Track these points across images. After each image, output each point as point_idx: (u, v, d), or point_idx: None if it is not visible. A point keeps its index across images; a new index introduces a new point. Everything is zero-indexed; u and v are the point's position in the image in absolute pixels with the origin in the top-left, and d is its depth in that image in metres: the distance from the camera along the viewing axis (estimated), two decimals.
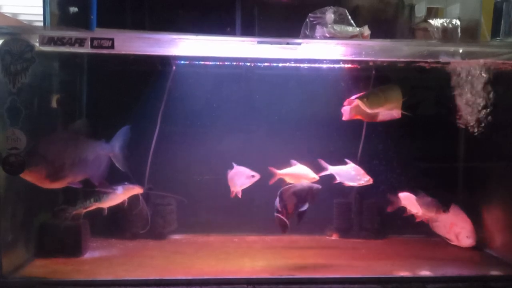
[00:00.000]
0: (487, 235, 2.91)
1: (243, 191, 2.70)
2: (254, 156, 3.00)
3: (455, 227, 2.91)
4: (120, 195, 2.67)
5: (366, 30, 2.53)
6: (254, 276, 2.42)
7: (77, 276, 2.42)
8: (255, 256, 2.76)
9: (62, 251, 2.66)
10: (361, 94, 2.69)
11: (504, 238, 2.82)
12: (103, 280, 2.37)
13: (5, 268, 2.37)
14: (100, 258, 2.71)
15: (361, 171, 2.74)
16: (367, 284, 2.39)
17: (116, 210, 2.73)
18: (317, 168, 2.71)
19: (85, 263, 2.63)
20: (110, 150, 2.73)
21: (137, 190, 2.74)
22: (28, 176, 2.36)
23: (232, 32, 2.78)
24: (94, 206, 2.63)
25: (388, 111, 2.71)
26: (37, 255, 2.65)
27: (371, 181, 2.74)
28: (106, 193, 2.63)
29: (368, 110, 2.65)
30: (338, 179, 2.74)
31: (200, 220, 3.08)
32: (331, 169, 2.74)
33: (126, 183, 2.71)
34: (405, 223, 2.95)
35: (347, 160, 2.77)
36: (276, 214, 2.51)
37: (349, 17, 2.53)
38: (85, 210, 2.62)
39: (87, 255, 2.73)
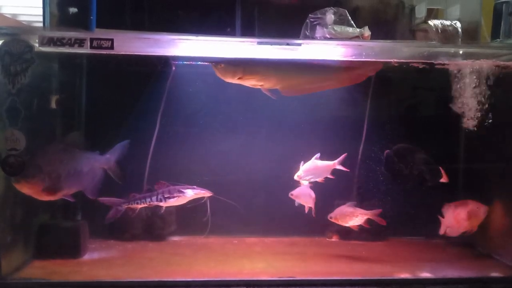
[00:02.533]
0: (487, 237, 2.90)
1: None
2: (254, 157, 3.01)
3: (460, 215, 2.81)
4: (187, 198, 2.66)
5: (367, 31, 2.53)
6: (254, 278, 2.41)
7: (76, 278, 2.41)
8: (254, 258, 2.75)
9: (61, 252, 2.65)
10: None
11: (505, 239, 2.81)
12: (102, 281, 2.36)
13: (4, 270, 2.36)
14: (99, 259, 2.71)
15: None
16: (367, 286, 2.39)
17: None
18: None
19: (84, 265, 2.62)
20: (106, 162, 2.70)
21: (207, 194, 2.71)
22: (24, 188, 2.35)
23: (232, 33, 2.77)
24: (155, 204, 2.62)
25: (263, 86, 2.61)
26: (36, 256, 2.63)
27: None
28: (174, 197, 2.63)
29: (222, 78, 2.56)
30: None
31: (199, 221, 3.07)
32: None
33: (195, 186, 2.69)
34: (405, 225, 2.95)
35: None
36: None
37: (349, 18, 2.53)
38: (140, 207, 2.62)
39: (86, 257, 2.72)
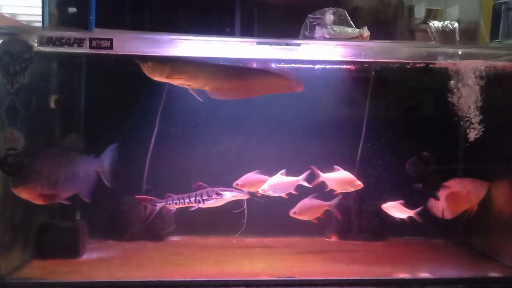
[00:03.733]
0: (487, 237, 2.90)
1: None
2: (254, 158, 3.00)
3: (457, 194, 2.81)
4: (225, 200, 2.68)
5: (366, 31, 2.54)
6: (253, 278, 2.41)
7: (75, 278, 2.41)
8: (254, 258, 2.75)
9: (60, 252, 2.65)
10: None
11: (505, 239, 2.81)
12: (101, 281, 2.36)
13: (3, 270, 2.36)
14: (98, 259, 2.71)
15: (352, 177, 2.77)
16: (366, 286, 2.39)
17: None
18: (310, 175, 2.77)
19: (83, 265, 2.62)
20: (99, 165, 2.71)
21: (244, 196, 2.73)
22: (23, 193, 2.35)
23: (231, 33, 2.78)
24: (191, 205, 2.65)
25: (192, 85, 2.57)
26: (35, 256, 2.64)
27: (361, 187, 2.77)
28: (212, 198, 2.65)
29: (150, 76, 2.53)
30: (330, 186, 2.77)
31: (199, 221, 3.07)
32: (323, 177, 2.77)
33: (232, 189, 2.71)
34: (404, 225, 2.94)
35: (336, 167, 2.79)
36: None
37: (349, 18, 2.54)
38: (177, 207, 2.64)
39: (85, 256, 2.73)
